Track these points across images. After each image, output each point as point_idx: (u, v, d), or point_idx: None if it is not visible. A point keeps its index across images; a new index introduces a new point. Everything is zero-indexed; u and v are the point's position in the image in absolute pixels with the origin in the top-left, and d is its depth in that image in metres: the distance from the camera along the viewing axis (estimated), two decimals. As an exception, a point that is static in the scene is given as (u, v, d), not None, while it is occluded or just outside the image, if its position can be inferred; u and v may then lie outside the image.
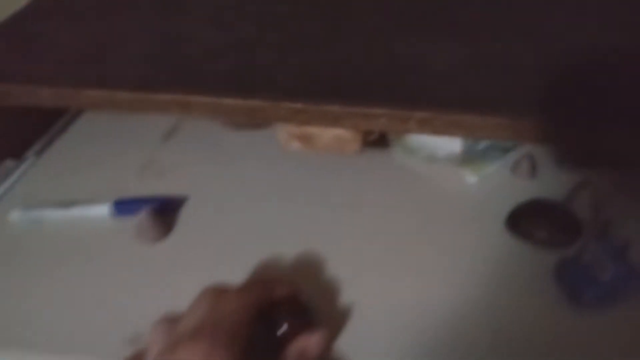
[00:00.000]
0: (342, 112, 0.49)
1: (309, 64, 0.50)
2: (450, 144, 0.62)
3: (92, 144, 0.72)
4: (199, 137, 0.71)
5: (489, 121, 0.46)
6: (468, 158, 0.62)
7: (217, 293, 0.41)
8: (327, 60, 0.49)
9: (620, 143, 0.43)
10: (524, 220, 0.54)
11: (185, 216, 0.60)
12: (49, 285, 0.55)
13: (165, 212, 0.59)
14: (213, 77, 0.50)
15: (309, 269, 0.53)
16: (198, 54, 0.51)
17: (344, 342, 0.47)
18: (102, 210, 0.60)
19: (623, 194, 0.58)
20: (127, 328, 0.49)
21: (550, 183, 0.59)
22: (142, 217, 0.56)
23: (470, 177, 0.60)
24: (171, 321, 0.41)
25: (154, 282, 0.54)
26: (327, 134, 0.62)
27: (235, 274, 0.51)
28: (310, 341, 0.42)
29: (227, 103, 0.50)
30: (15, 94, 0.55)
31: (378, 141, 0.65)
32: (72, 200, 0.62)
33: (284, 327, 0.42)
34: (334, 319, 0.49)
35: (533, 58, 0.46)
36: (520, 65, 0.46)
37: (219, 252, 0.56)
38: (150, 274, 0.55)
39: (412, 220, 0.57)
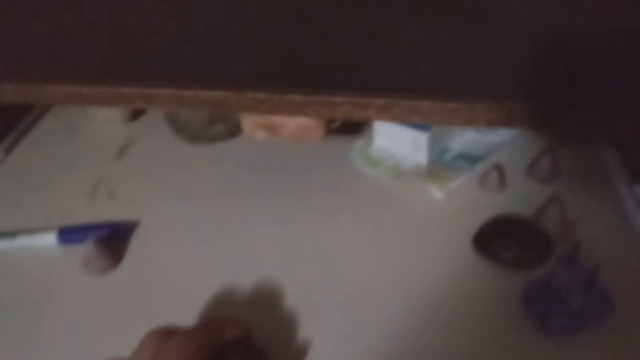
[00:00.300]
0: (304, 100, 0.50)
1: (270, 53, 0.51)
2: (416, 156, 0.63)
3: (42, 161, 0.70)
4: (153, 153, 0.69)
5: (444, 106, 0.48)
6: (434, 171, 0.62)
7: (161, 338, 0.40)
8: (289, 50, 0.50)
9: (576, 123, 0.46)
10: (491, 240, 0.53)
11: (136, 242, 0.58)
12: None
13: (114, 239, 0.57)
14: (176, 69, 0.51)
15: (264, 301, 0.51)
16: (160, 45, 0.51)
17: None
18: (48, 239, 0.57)
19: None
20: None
21: (520, 196, 0.59)
22: (87, 247, 0.53)
23: (437, 193, 0.60)
24: None
25: (100, 317, 0.51)
26: (292, 123, 0.64)
27: (188, 307, 0.50)
28: None
29: (190, 94, 0.51)
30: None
31: (341, 129, 0.67)
32: (16, 228, 0.60)
33: None
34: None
35: (491, 44, 0.48)
36: (478, 51, 0.48)
37: (170, 283, 0.53)
38: (97, 308, 0.52)
39: (375, 240, 0.56)
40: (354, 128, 0.70)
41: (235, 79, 0.50)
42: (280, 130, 0.65)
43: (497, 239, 0.53)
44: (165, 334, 0.40)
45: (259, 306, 0.51)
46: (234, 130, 0.70)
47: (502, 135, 0.66)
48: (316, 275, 0.53)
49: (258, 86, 0.50)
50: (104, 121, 0.75)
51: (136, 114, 0.76)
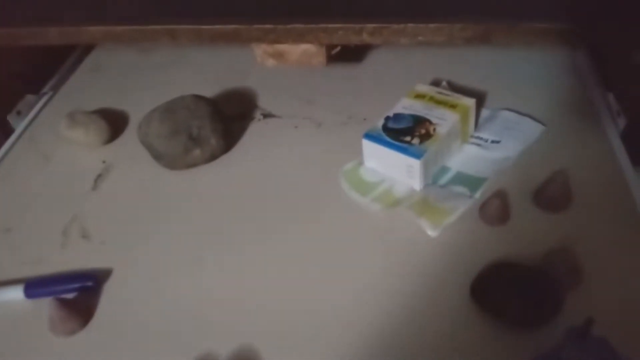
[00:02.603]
0: (304, 28, 0.60)
1: None
2: (409, 181, 0.57)
3: (13, 196, 0.66)
4: (129, 180, 0.65)
5: (427, 27, 0.55)
6: (428, 203, 0.55)
7: None
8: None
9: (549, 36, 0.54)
10: (491, 291, 0.46)
11: (108, 294, 0.53)
12: None
13: (84, 293, 0.52)
14: (195, 8, 0.62)
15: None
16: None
17: None
18: (15, 294, 0.53)
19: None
20: None
21: (525, 230, 0.52)
22: (52, 308, 0.49)
23: (431, 231, 0.53)
24: None
25: None
26: (297, 50, 0.67)
27: None
28: None
29: (207, 29, 0.61)
30: (26, 35, 0.67)
31: (341, 55, 0.71)
32: None
33: None
34: None
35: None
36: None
37: (143, 343, 0.49)
38: None
39: (362, 283, 0.50)
40: (354, 56, 0.75)
41: (245, 14, 0.60)
42: (288, 57, 0.69)
43: (497, 290, 0.46)
44: None
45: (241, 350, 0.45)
46: (212, 155, 0.65)
47: (505, 151, 0.60)
48: (297, 328, 0.48)
49: (265, 19, 0.59)
50: (80, 144, 0.71)
51: (113, 136, 0.72)
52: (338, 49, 0.69)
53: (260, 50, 0.69)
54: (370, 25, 0.57)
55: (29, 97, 0.79)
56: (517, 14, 0.58)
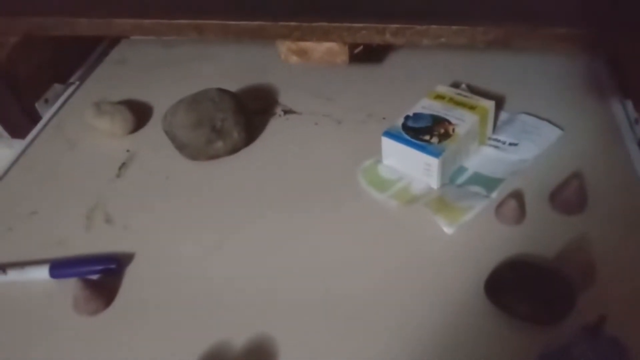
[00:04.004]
0: (329, 27, 0.60)
1: None
2: (427, 179, 0.58)
3: (39, 180, 0.68)
4: (153, 169, 0.67)
5: (449, 29, 0.56)
6: (444, 201, 0.56)
7: None
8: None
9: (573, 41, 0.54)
10: (505, 288, 0.47)
11: (130, 277, 0.54)
12: None
13: (106, 276, 0.54)
14: (222, 4, 0.64)
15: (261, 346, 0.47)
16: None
17: None
18: (41, 273, 0.55)
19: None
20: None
21: (541, 230, 0.53)
22: (77, 289, 0.50)
23: (447, 228, 0.54)
24: None
25: (94, 357, 0.48)
26: (320, 48, 0.68)
27: (183, 351, 0.47)
28: None
29: (234, 25, 0.62)
30: (56, 25, 0.68)
31: (364, 55, 0.72)
32: (9, 256, 0.58)
33: None
34: None
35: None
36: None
37: (163, 325, 0.50)
38: (86, 348, 0.49)
39: (381, 278, 0.51)
40: (375, 56, 0.77)
41: (270, 11, 0.61)
42: (311, 55, 0.69)
43: (511, 287, 0.47)
44: None
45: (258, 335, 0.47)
46: (234, 148, 0.66)
47: (522, 153, 0.61)
48: (316, 322, 0.49)
49: (290, 16, 0.60)
50: (105, 133, 0.72)
51: (137, 126, 0.73)
52: (360, 48, 0.70)
53: (284, 47, 0.70)
54: (393, 26, 0.58)
55: (57, 86, 0.82)
56: (537, 18, 0.59)
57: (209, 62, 0.84)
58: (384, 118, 0.69)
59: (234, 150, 0.67)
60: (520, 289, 0.46)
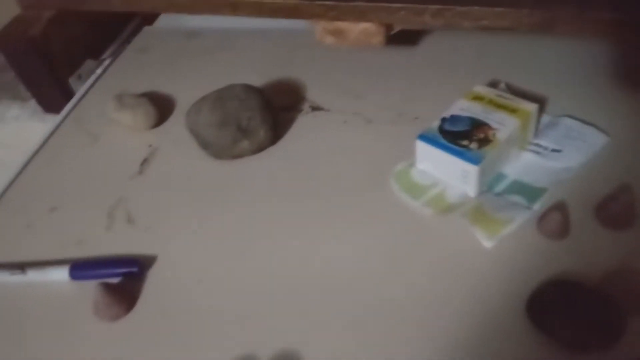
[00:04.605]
0: (366, 7, 0.59)
1: None
2: (464, 187, 0.55)
3: (60, 175, 0.66)
4: (175, 167, 0.65)
5: (492, 11, 0.54)
6: (483, 211, 0.53)
7: None
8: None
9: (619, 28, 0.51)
10: (547, 310, 0.44)
11: (151, 282, 0.52)
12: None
13: (128, 279, 0.52)
14: None
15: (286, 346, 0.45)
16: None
17: None
18: (60, 274, 0.53)
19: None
20: None
21: (586, 245, 0.49)
22: (98, 293, 0.49)
23: (486, 241, 0.51)
24: None
25: None
26: (356, 29, 0.66)
27: (209, 351, 0.45)
28: None
29: (268, 2, 0.61)
30: (89, 0, 0.68)
31: (401, 37, 0.69)
32: (28, 254, 0.56)
33: None
34: None
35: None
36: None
37: (184, 332, 0.48)
38: (105, 354, 0.47)
39: (413, 292, 0.48)
40: (411, 38, 0.74)
41: None
42: (347, 36, 0.67)
43: (554, 309, 0.44)
44: None
45: (284, 348, 0.44)
46: (260, 146, 0.64)
47: (566, 161, 0.57)
48: (345, 333, 0.47)
49: None
50: (127, 127, 0.70)
51: (159, 120, 0.71)
52: (397, 29, 0.67)
53: (319, 27, 0.68)
54: (433, 7, 0.56)
55: (90, 62, 0.80)
56: (584, 2, 0.55)
57: (233, 54, 0.81)
58: (416, 118, 0.66)
59: (260, 149, 0.64)
60: (564, 311, 0.43)
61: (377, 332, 0.46)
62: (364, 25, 0.65)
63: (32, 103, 0.86)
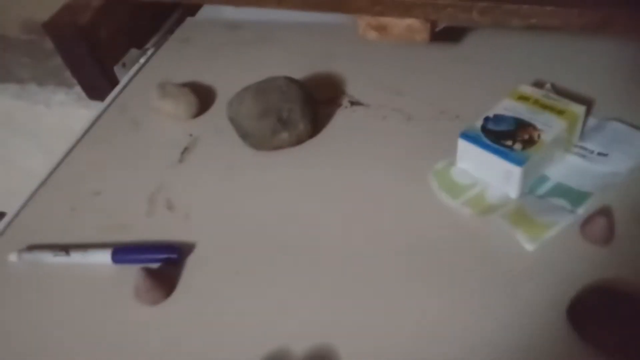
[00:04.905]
0: (413, 3, 0.58)
1: None
2: (505, 188, 0.54)
3: (103, 160, 0.68)
4: (215, 157, 0.66)
5: (542, 9, 0.53)
6: (525, 213, 0.52)
7: None
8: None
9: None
10: (590, 317, 0.43)
11: (190, 269, 0.53)
12: (42, 336, 0.50)
13: (167, 265, 0.53)
14: None
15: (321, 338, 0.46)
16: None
17: None
18: (103, 258, 0.54)
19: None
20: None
21: (632, 253, 0.48)
22: (138, 278, 0.50)
23: (527, 244, 0.50)
24: None
25: (152, 349, 0.48)
26: (401, 24, 0.66)
27: (242, 351, 0.45)
28: None
29: None
30: None
31: (445, 33, 0.70)
32: (72, 236, 0.58)
33: None
34: None
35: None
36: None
37: (221, 319, 0.49)
38: (147, 339, 0.49)
39: (452, 293, 0.48)
40: (455, 36, 0.73)
41: None
42: (390, 31, 0.67)
43: (598, 316, 0.43)
44: None
45: (319, 342, 0.45)
46: (299, 139, 0.64)
47: (613, 165, 0.55)
48: (381, 334, 0.47)
49: None
50: (168, 116, 0.72)
51: (200, 110, 0.72)
52: (443, 26, 0.67)
53: (363, 22, 0.68)
54: (481, 4, 0.55)
55: (134, 51, 0.82)
56: (637, 3, 0.54)
57: (275, 46, 0.81)
58: (457, 116, 0.65)
59: (299, 141, 0.64)
60: (607, 319, 0.42)
61: (413, 332, 0.46)
62: (409, 21, 0.65)
63: (77, 89, 0.89)
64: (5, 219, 0.63)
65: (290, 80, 0.64)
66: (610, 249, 0.49)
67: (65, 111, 0.89)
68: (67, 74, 0.89)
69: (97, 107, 0.79)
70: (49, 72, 0.94)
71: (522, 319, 0.45)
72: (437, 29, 0.68)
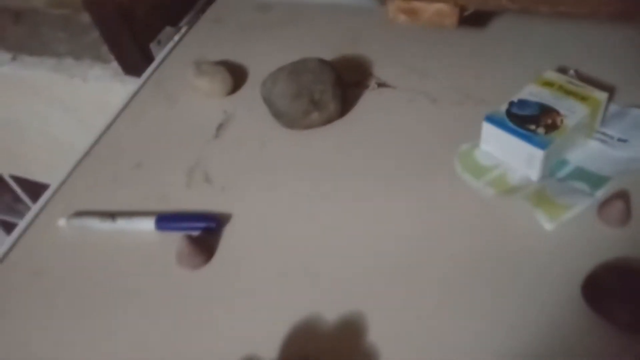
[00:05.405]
0: None
1: None
2: (527, 170, 0.57)
3: (141, 135, 0.72)
4: (249, 133, 0.69)
5: None
6: (545, 194, 0.55)
7: None
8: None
9: None
10: (603, 292, 0.46)
11: (228, 237, 0.58)
12: (90, 296, 0.55)
13: (207, 233, 0.57)
14: None
15: (348, 330, 0.49)
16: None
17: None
18: (147, 225, 0.59)
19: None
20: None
21: None
22: (181, 244, 0.54)
23: (547, 223, 0.53)
24: None
25: (188, 309, 0.52)
26: (430, 8, 0.68)
27: (280, 312, 0.50)
28: None
29: None
30: None
31: (472, 18, 0.71)
32: (116, 205, 0.62)
33: None
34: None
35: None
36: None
37: (263, 284, 0.53)
38: (190, 299, 0.53)
39: (470, 267, 0.51)
40: (483, 21, 0.76)
41: None
42: (420, 15, 0.69)
43: (612, 292, 0.46)
44: None
45: (351, 331, 0.49)
46: (328, 119, 0.67)
47: (633, 151, 0.58)
48: (406, 300, 0.51)
49: None
50: (204, 93, 0.75)
51: (234, 88, 0.75)
52: (471, 11, 0.69)
53: (393, 5, 0.70)
54: None
55: (169, 29, 0.85)
56: None
57: (304, 28, 0.84)
58: (482, 100, 0.68)
59: (328, 121, 0.67)
60: (622, 294, 0.45)
61: (435, 304, 0.49)
62: (438, 6, 0.67)
63: (113, 65, 0.92)
64: (50, 189, 0.67)
65: (322, 62, 0.67)
66: (626, 231, 0.51)
67: (102, 86, 0.93)
68: (104, 49, 0.92)
69: (133, 82, 0.83)
70: (85, 47, 0.97)
71: (539, 293, 0.48)
72: (466, 14, 0.69)
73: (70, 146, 0.98)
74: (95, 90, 0.94)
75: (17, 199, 1.70)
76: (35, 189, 1.53)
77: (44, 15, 1.08)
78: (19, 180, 1.58)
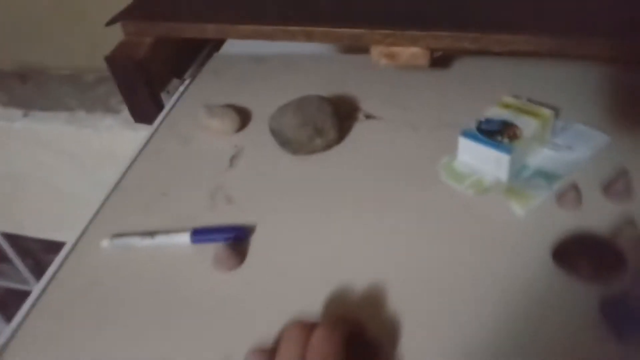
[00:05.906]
0: (419, 35, 0.76)
1: (394, 3, 0.83)
2: (497, 173, 0.70)
3: (162, 169, 0.81)
4: (260, 162, 0.80)
5: (517, 38, 0.72)
6: (515, 189, 0.68)
7: (306, 329, 0.44)
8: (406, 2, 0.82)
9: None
10: (569, 255, 0.59)
11: (255, 244, 0.67)
12: (136, 309, 0.62)
13: (238, 241, 0.66)
14: (328, 13, 0.82)
15: (372, 299, 0.59)
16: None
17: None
18: (183, 238, 0.67)
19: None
20: (213, 353, 0.56)
21: (595, 215, 0.64)
22: (219, 248, 0.63)
23: (518, 210, 0.66)
24: (264, 353, 0.45)
25: (232, 308, 0.60)
26: (406, 52, 0.81)
27: (309, 298, 0.58)
28: None
29: (338, 31, 0.80)
30: (189, 29, 0.88)
31: (442, 59, 0.85)
32: (152, 229, 0.70)
33: None
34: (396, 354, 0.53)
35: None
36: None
37: (290, 278, 0.62)
38: (223, 300, 0.61)
39: (461, 250, 0.63)
40: (450, 61, 0.93)
41: (367, 21, 0.76)
42: (398, 58, 0.82)
43: (575, 254, 0.59)
44: (308, 326, 0.44)
45: (369, 304, 0.58)
46: (329, 144, 0.79)
47: (577, 155, 0.72)
48: (411, 277, 0.61)
49: (385, 25, 0.76)
50: (215, 132, 0.86)
51: (241, 126, 0.87)
52: (440, 53, 0.83)
53: (376, 51, 0.84)
54: (472, 34, 0.73)
55: (175, 81, 0.97)
56: (588, 30, 0.73)
57: (298, 73, 0.97)
58: (455, 124, 0.81)
59: (329, 146, 0.79)
60: (583, 254, 0.58)
61: (419, 279, 0.60)
62: (413, 50, 0.81)
63: (123, 114, 1.03)
64: (87, 216, 0.75)
65: (322, 97, 0.80)
66: (580, 213, 0.65)
67: (112, 135, 1.02)
68: (113, 100, 1.03)
69: (144, 129, 0.93)
70: (96, 100, 1.07)
71: (518, 263, 0.60)
72: (436, 55, 0.84)
73: (72, 196, 1.05)
74: (104, 140, 1.03)
75: (5, 258, 1.69)
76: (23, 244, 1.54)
77: (52, 76, 1.18)
78: (8, 237, 1.59)
